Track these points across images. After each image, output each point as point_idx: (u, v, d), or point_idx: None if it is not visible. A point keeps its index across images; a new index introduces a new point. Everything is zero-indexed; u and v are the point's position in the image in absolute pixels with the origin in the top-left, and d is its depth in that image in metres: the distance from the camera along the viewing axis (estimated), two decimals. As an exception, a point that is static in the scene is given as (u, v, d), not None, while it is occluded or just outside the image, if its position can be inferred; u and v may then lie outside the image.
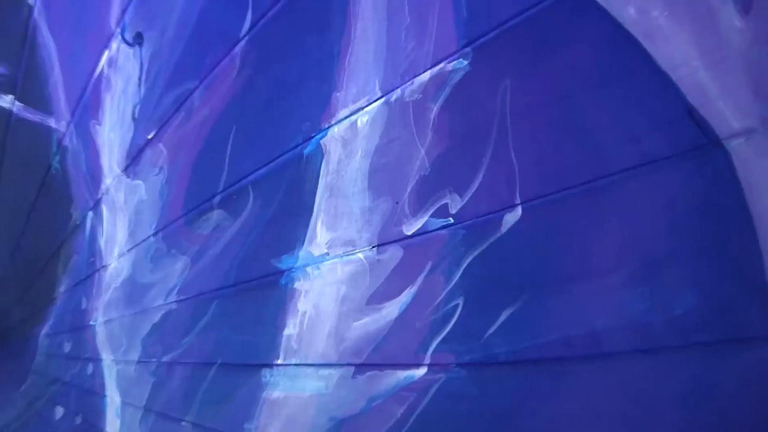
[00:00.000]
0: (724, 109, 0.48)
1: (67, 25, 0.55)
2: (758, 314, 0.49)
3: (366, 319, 0.49)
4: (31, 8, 0.55)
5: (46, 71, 0.55)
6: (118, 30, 0.52)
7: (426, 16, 0.47)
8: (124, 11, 0.51)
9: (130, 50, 0.51)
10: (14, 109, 0.55)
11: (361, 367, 0.49)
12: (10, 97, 0.55)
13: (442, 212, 0.48)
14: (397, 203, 0.48)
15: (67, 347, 0.59)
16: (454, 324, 0.49)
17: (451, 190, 0.48)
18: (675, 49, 0.48)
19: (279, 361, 0.51)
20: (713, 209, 0.49)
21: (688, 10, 0.47)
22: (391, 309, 0.49)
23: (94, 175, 0.54)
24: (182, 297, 0.53)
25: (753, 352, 0.50)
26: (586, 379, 0.50)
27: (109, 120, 0.53)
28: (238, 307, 0.52)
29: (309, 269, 0.49)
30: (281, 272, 0.50)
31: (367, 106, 0.48)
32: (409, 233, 0.49)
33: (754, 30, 0.48)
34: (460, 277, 0.48)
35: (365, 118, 0.47)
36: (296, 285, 0.50)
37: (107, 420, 0.57)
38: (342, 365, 0.49)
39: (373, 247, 0.49)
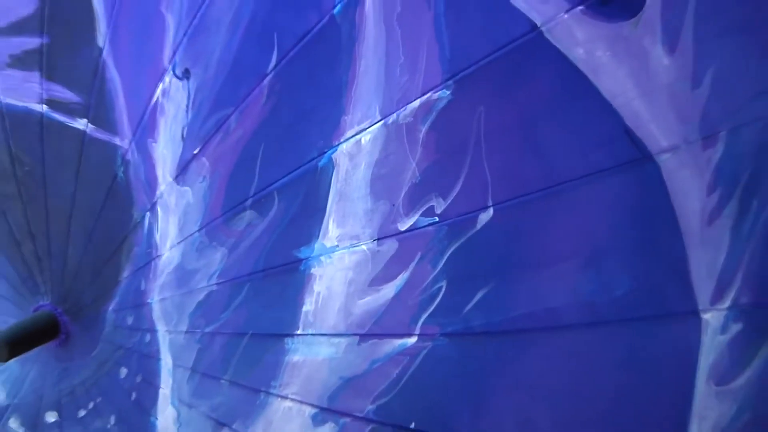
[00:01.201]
0: (654, 130, 0.46)
1: (129, 63, 0.53)
2: (679, 296, 0.48)
3: (368, 298, 0.48)
4: (101, 49, 0.53)
5: (113, 100, 0.53)
6: (170, 67, 0.50)
7: (416, 56, 0.45)
8: (174, 52, 0.50)
9: (180, 83, 0.50)
10: (87, 130, 0.53)
11: (364, 337, 0.48)
12: (84, 120, 0.53)
13: (429, 212, 0.47)
14: (393, 205, 0.47)
15: (129, 320, 0.57)
16: (439, 302, 0.47)
17: (437, 194, 0.46)
18: (615, 83, 0.46)
19: (298, 332, 0.50)
20: (645, 210, 0.48)
21: (625, 51, 0.46)
22: (388, 290, 0.47)
23: (151, 183, 0.52)
24: (221, 280, 0.51)
25: (674, 324, 0.49)
26: (544, 346, 0.49)
27: (163, 139, 0.51)
28: (265, 289, 0.51)
29: (323, 258, 0.48)
30: (300, 260, 0.49)
31: (369, 127, 0.46)
32: (402, 229, 0.47)
33: (677, 67, 0.46)
34: (443, 264, 0.47)
35: (368, 137, 0.46)
36: (312, 271, 0.49)
37: (161, 378, 0.55)
38: (349, 335, 0.48)
39: (374, 240, 0.47)
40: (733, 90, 0.47)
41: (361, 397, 0.48)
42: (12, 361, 0.57)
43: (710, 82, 0.46)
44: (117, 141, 0.51)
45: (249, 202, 0.48)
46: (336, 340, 0.48)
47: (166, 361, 0.53)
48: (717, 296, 0.48)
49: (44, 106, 0.54)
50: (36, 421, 0.60)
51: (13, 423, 0.63)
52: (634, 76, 0.46)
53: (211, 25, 0.48)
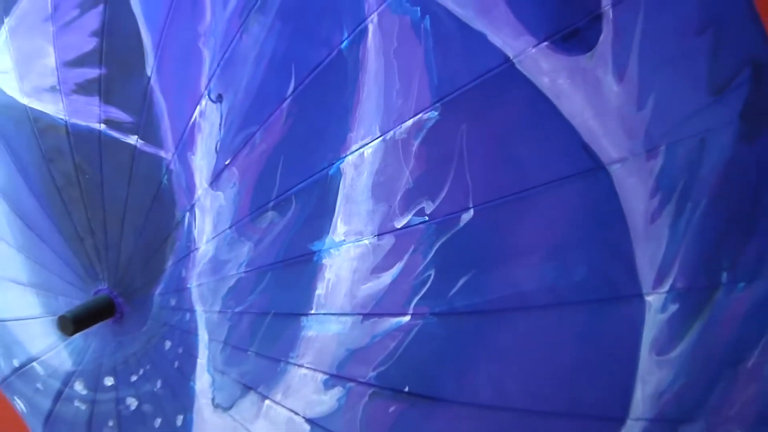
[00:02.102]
0: (606, 144, 0.45)
1: (172, 89, 0.52)
2: (627, 281, 0.47)
3: (370, 284, 0.46)
4: (149, 78, 0.52)
5: (159, 119, 0.52)
6: (206, 92, 0.49)
7: (410, 84, 0.44)
8: (210, 80, 0.49)
9: (214, 106, 0.49)
10: (138, 145, 0.52)
11: (366, 316, 0.47)
12: (135, 137, 0.52)
13: (420, 213, 0.45)
14: (390, 207, 0.46)
15: (172, 302, 0.56)
16: (428, 287, 0.46)
17: (426, 198, 0.45)
18: (574, 105, 0.45)
19: (312, 312, 0.49)
20: (599, 211, 0.46)
21: (582, 79, 0.45)
22: (387, 277, 0.46)
23: (190, 188, 0.51)
24: (248, 269, 0.50)
25: (623, 305, 0.48)
26: (515, 323, 0.48)
27: (200, 151, 0.50)
28: (285, 276, 0.49)
29: (332, 250, 0.47)
30: (314, 253, 0.48)
31: (370, 142, 0.45)
32: (398, 227, 0.46)
33: (625, 93, 0.45)
34: (432, 256, 0.45)
35: (369, 150, 0.45)
36: (324, 261, 0.47)
37: (199, 350, 0.54)
38: (354, 314, 0.47)
39: (375, 236, 0.46)
40: (671, 112, 0.47)
41: (363, 366, 0.47)
42: (77, 335, 0.56)
43: (652, 105, 0.45)
44: (162, 154, 0.50)
45: (271, 204, 0.47)
46: (343, 318, 0.47)
47: (203, 336, 0.52)
48: (658, 282, 0.47)
49: (102, 125, 0.53)
50: (96, 384, 0.59)
51: (78, 386, 0.61)
52: (589, 100, 0.45)
53: (240, 58, 0.47)
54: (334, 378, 0.49)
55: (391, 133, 0.45)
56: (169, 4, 0.49)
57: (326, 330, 0.49)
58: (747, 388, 0.55)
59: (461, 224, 0.46)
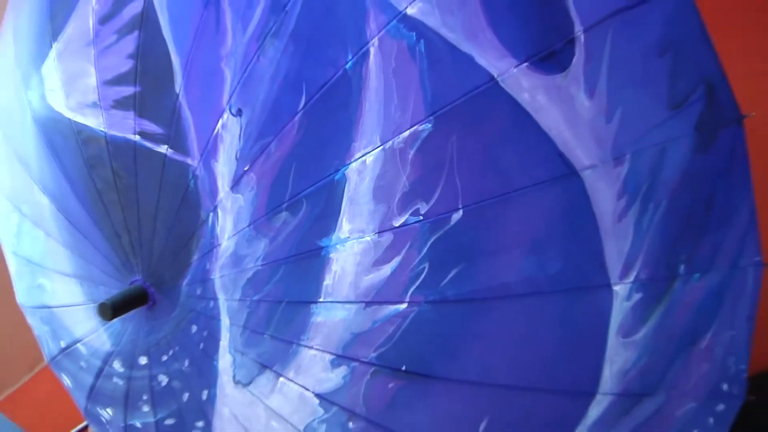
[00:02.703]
0: (579, 153, 0.44)
1: (197, 105, 0.51)
2: (597, 273, 0.46)
3: (371, 275, 0.46)
4: (177, 95, 0.51)
5: (186, 131, 0.51)
6: (228, 107, 0.48)
7: (407, 99, 0.43)
8: (231, 96, 0.48)
9: (234, 119, 0.48)
10: (168, 154, 0.51)
11: (368, 303, 0.46)
12: (165, 146, 0.50)
13: (416, 213, 0.44)
14: (389, 208, 0.45)
15: (198, 291, 0.54)
16: (423, 278, 0.45)
17: (421, 200, 0.44)
18: (550, 118, 0.44)
19: (321, 300, 0.48)
20: (572, 211, 0.45)
21: (558, 96, 0.44)
22: (386, 269, 0.45)
23: (213, 192, 0.50)
24: (264, 262, 0.49)
25: (593, 294, 0.47)
26: (499, 310, 0.46)
27: (222, 159, 0.49)
28: (296, 269, 0.48)
29: (338, 246, 0.46)
30: (322, 248, 0.47)
31: (372, 150, 0.44)
32: (396, 225, 0.45)
33: (595, 108, 0.44)
34: (426, 251, 0.44)
35: (371, 158, 0.44)
36: (331, 255, 0.47)
37: (221, 333, 0.53)
38: (357, 302, 0.46)
39: (376, 233, 0.45)
40: (635, 124, 0.46)
41: (366, 348, 0.46)
42: (115, 320, 0.54)
43: (619, 118, 0.44)
44: (189, 161, 0.48)
45: (284, 205, 0.46)
46: (348, 306, 0.46)
47: (225, 321, 0.51)
48: (624, 273, 0.46)
49: (137, 136, 0.51)
50: (132, 363, 0.58)
51: (116, 364, 0.60)
52: (564, 114, 0.44)
53: (257, 77, 0.46)
54: (340, 358, 0.48)
55: (390, 142, 0.44)
56: (195, 30, 0.48)
57: (333, 316, 0.48)
58: (701, 367, 0.54)
59: (452, 223, 0.45)
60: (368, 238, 0.46)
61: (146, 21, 0.50)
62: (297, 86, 0.45)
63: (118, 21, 0.51)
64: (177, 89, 0.49)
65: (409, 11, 0.43)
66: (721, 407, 0.56)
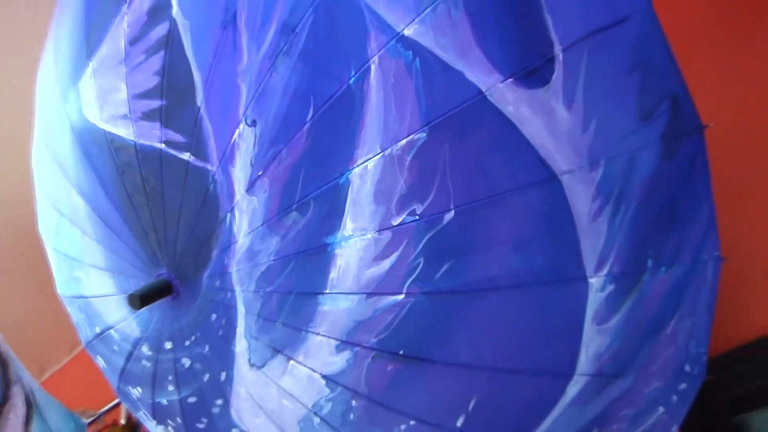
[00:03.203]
0: (559, 159, 0.43)
1: (217, 116, 0.50)
2: (574, 267, 0.45)
3: (372, 269, 0.45)
4: (198, 108, 0.50)
5: (206, 140, 0.50)
6: (244, 118, 0.47)
7: (404, 111, 0.42)
8: (246, 108, 0.47)
9: (250, 129, 0.47)
10: (190, 161, 0.49)
11: (370, 294, 0.45)
12: (188, 153, 0.49)
13: (412, 213, 0.43)
14: (388, 208, 0.44)
15: (217, 283, 0.53)
16: (418, 272, 0.44)
17: (417, 201, 0.43)
18: (533, 129, 0.43)
19: (327, 291, 0.47)
20: (552, 211, 0.44)
21: (540, 108, 0.42)
22: (385, 264, 0.44)
23: (231, 194, 0.49)
24: (276, 257, 0.48)
25: (571, 286, 0.46)
26: (487, 300, 0.45)
27: (238, 165, 0.48)
28: (305, 263, 0.47)
29: (342, 243, 0.45)
30: (328, 245, 0.46)
31: (373, 157, 0.43)
32: (395, 224, 0.44)
33: (573, 119, 0.43)
34: (421, 247, 0.43)
35: (372, 164, 0.43)
36: (336, 251, 0.46)
37: (238, 321, 0.52)
38: (360, 293, 0.45)
39: (376, 231, 0.44)
40: (608, 134, 0.45)
41: (367, 334, 0.45)
42: (143, 309, 0.53)
43: (594, 128, 0.44)
44: (209, 167, 0.47)
45: (294, 206, 0.45)
46: (351, 296, 0.45)
47: (241, 310, 0.50)
48: (598, 267, 0.45)
49: (163, 145, 0.50)
50: (158, 347, 0.57)
51: (144, 348, 0.59)
52: (545, 125, 0.43)
53: (270, 91, 0.45)
54: (344, 343, 0.47)
55: (389, 150, 0.43)
56: (214, 50, 0.47)
57: (338, 305, 0.47)
58: (666, 350, 0.53)
59: (444, 222, 0.44)
60: (369, 236, 0.45)
61: (171, 42, 0.49)
62: (305, 99, 0.44)
63: (147, 42, 0.51)
64: (198, 102, 0.48)
65: (406, 32, 0.42)
66: (683, 386, 0.56)
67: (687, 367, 0.55)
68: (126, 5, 0.52)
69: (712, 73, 0.80)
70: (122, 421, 1.42)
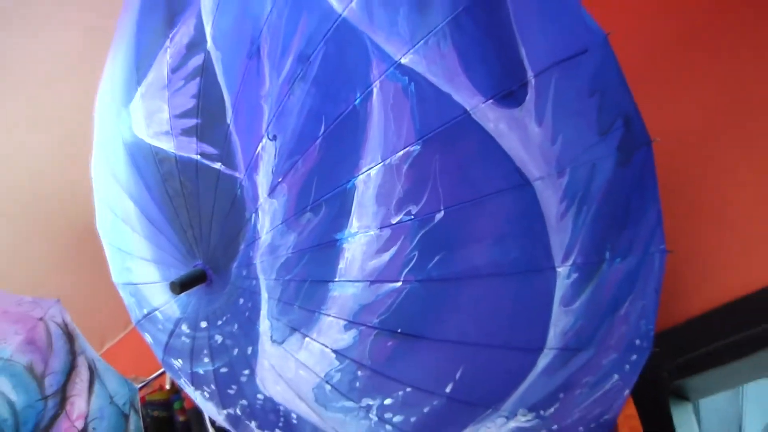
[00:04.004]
0: (532, 168, 0.42)
1: (243, 132, 0.49)
2: (544, 259, 0.44)
3: (374, 261, 0.43)
4: (228, 124, 0.48)
5: (234, 152, 0.49)
6: (266, 134, 0.46)
7: (401, 127, 0.41)
8: (268, 125, 0.46)
9: (271, 143, 0.45)
10: (221, 170, 0.48)
11: (372, 282, 0.44)
12: (219, 163, 0.48)
13: (408, 213, 0.42)
14: (388, 209, 0.42)
15: (244, 273, 0.51)
16: (414, 263, 0.42)
17: (412, 203, 0.42)
18: (510, 143, 0.41)
19: (336, 279, 0.45)
20: (526, 212, 0.43)
21: (516, 125, 0.41)
22: (385, 256, 0.43)
23: (254, 197, 0.47)
24: (293, 251, 0.46)
25: (542, 274, 0.45)
26: (472, 287, 0.44)
27: (261, 173, 0.47)
28: (317, 257, 0.46)
29: (349, 239, 0.44)
30: (337, 240, 0.45)
31: (375, 166, 0.42)
32: (393, 222, 0.42)
33: (543, 134, 0.42)
34: (416, 243, 0.42)
35: (374, 171, 0.42)
36: (344, 246, 0.44)
37: (261, 304, 0.50)
38: (364, 281, 0.44)
39: (378, 228, 0.43)
40: (573, 146, 0.43)
41: (370, 315, 0.44)
42: (182, 294, 0.52)
43: (561, 142, 0.42)
44: (237, 174, 0.46)
45: (309, 207, 0.43)
46: (357, 283, 0.44)
47: (264, 295, 0.48)
48: (564, 259, 0.44)
49: (198, 156, 0.49)
50: (195, 326, 0.55)
51: (183, 327, 0.57)
52: (520, 139, 0.42)
53: (288, 111, 0.43)
54: (351, 323, 0.46)
55: (389, 160, 0.42)
56: (241, 77, 0.46)
57: (346, 291, 0.45)
58: (620, 328, 0.52)
59: (435, 221, 0.42)
60: (372, 233, 0.43)
61: (206, 70, 0.48)
62: (318, 118, 0.43)
63: (185, 70, 0.49)
64: (228, 120, 0.47)
65: (403, 61, 0.40)
66: (634, 357, 0.54)
67: (638, 342, 0.53)
68: (169, 40, 0.50)
69: (659, 97, 0.79)
70: (167, 387, 1.41)
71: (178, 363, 0.62)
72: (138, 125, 0.54)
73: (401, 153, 0.42)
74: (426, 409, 0.48)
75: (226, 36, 0.48)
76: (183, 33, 0.50)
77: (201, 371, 0.59)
